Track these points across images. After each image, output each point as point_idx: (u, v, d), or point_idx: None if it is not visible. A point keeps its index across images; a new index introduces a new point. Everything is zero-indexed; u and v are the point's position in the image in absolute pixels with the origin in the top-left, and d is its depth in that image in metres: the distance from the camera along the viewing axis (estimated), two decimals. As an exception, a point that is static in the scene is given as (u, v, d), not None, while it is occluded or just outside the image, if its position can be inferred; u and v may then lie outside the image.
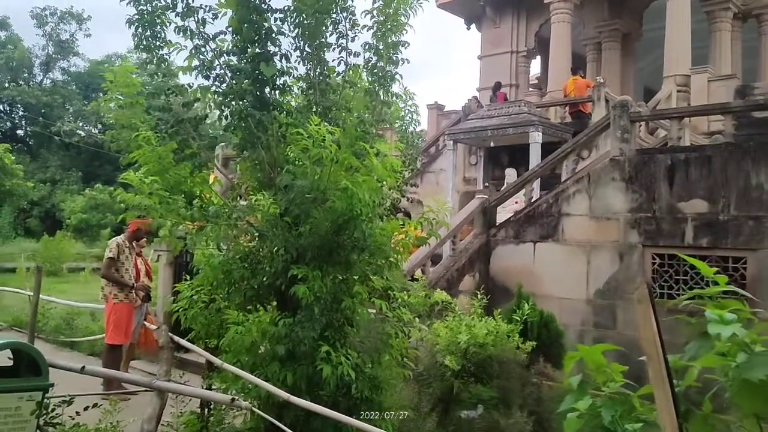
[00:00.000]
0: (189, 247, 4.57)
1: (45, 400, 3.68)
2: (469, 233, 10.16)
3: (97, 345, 9.24)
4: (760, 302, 2.79)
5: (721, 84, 13.62)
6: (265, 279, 4.40)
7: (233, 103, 4.47)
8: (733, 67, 15.70)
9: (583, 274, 8.73)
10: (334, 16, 4.85)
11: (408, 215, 8.56)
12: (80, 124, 40.26)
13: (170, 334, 4.53)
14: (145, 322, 7.89)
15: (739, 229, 7.54)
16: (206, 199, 4.52)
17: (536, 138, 11.99)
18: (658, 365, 1.90)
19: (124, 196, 4.07)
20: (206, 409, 5.13)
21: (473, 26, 21.14)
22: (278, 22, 4.66)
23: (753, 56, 17.16)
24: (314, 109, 4.74)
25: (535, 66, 22.75)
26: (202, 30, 4.43)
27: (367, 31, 4.77)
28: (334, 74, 4.99)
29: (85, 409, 4.41)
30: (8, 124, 41.81)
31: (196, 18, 4.42)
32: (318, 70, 4.89)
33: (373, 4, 4.72)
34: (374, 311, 4.56)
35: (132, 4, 4.46)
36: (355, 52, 4.92)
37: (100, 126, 39.78)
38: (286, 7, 4.67)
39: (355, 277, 4.53)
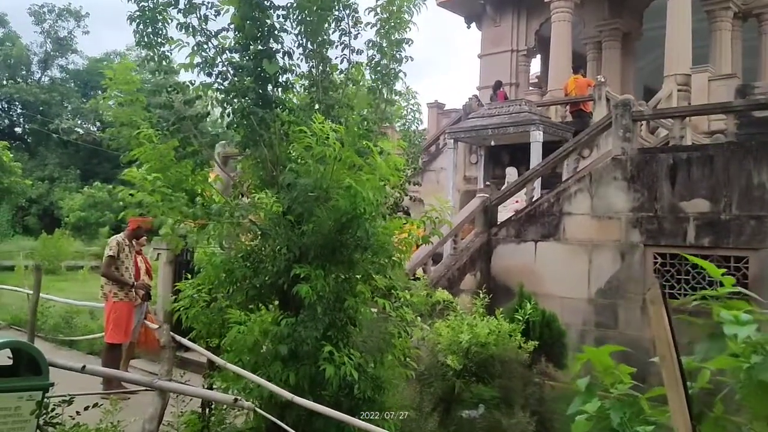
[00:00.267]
0: (190, 245, 4.54)
1: (45, 399, 3.65)
2: (469, 232, 10.14)
3: (97, 344, 9.20)
4: (765, 303, 2.76)
5: (722, 83, 13.62)
6: (267, 278, 4.37)
7: (236, 100, 4.44)
8: (734, 67, 15.71)
9: (584, 273, 8.71)
10: (336, 13, 4.82)
11: (407, 214, 8.53)
12: (79, 121, 40.15)
13: (172, 333, 4.49)
14: (146, 321, 7.85)
15: (741, 229, 7.52)
16: (208, 197, 4.49)
17: (537, 137, 11.97)
18: (672, 367, 1.86)
19: (126, 193, 4.03)
20: (207, 409, 5.10)
21: (473, 25, 21.11)
22: (281, 19, 4.63)
23: (753, 55, 17.16)
24: (317, 107, 4.71)
25: (535, 65, 22.75)
26: (204, 27, 4.40)
27: (371, 28, 4.74)
28: (337, 72, 4.96)
29: (86, 408, 4.38)
30: (6, 121, 41.73)
31: (198, 15, 4.39)
32: (321, 67, 4.86)
33: (376, 1, 4.69)
34: (375, 310, 4.53)
35: (133, 0, 4.42)
36: (358, 49, 4.90)
37: (98, 124, 39.68)
38: (288, 4, 4.64)
39: (358, 276, 4.51)
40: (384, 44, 4.69)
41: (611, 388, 2.53)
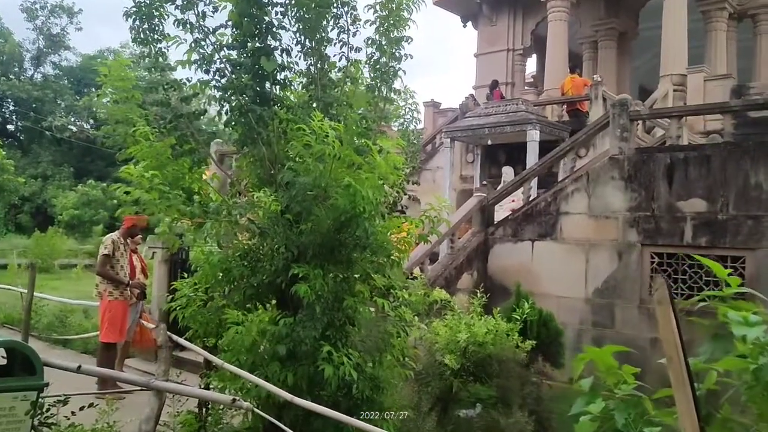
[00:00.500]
0: (186, 244, 4.50)
1: (40, 399, 3.61)
2: (466, 231, 10.13)
3: (91, 343, 9.14)
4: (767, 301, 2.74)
5: (717, 83, 13.66)
6: (265, 277, 4.33)
7: (233, 97, 4.40)
8: (729, 67, 15.76)
9: (581, 272, 8.71)
10: (334, 10, 4.78)
11: (403, 212, 8.50)
12: (72, 119, 39.93)
13: (169, 333, 4.44)
14: (142, 320, 7.80)
15: (737, 229, 7.53)
16: (205, 195, 4.45)
17: (534, 136, 11.97)
18: (679, 368, 1.85)
19: (123, 190, 3.98)
20: (204, 409, 5.07)
21: (470, 24, 21.11)
22: (279, 16, 4.60)
23: (748, 56, 17.22)
24: (315, 105, 4.67)
25: (531, 64, 22.75)
26: (202, 23, 4.35)
27: (370, 26, 4.71)
28: (335, 69, 4.93)
29: (81, 408, 4.33)
30: (-1, 119, 41.50)
31: (196, 11, 4.34)
32: (319, 65, 4.82)
33: (375, -1, 4.66)
34: (373, 309, 4.51)
35: (129, -5, 4.38)
36: (357, 47, 4.87)
37: (92, 121, 39.48)
38: (286, 1, 4.60)
39: (356, 276, 4.48)
40: (383, 42, 4.66)
41: (615, 388, 2.51)
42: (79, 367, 3.93)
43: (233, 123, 4.51)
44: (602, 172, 8.66)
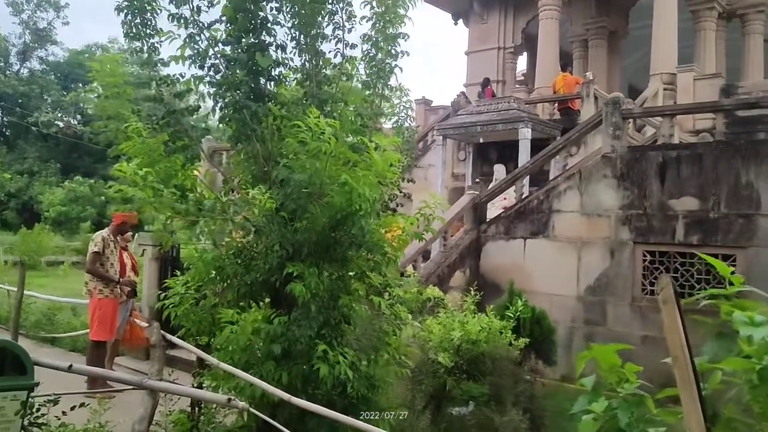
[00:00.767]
0: (176, 241, 4.45)
1: (30, 399, 3.55)
2: (458, 229, 10.13)
3: (80, 341, 9.05)
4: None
5: (707, 83, 13.73)
6: (259, 275, 4.29)
7: (228, 93, 4.36)
8: (718, 66, 15.85)
9: (573, 270, 8.73)
10: (330, 6, 4.75)
11: (394, 210, 8.48)
12: (59, 114, 39.47)
13: (162, 331, 4.39)
14: (132, 318, 7.73)
15: (729, 227, 7.58)
16: (199, 193, 4.40)
17: (526, 134, 11.98)
18: (685, 368, 1.83)
19: (116, 188, 3.92)
20: (197, 408, 5.02)
21: (461, 22, 21.09)
22: (274, 12, 4.56)
23: (736, 55, 17.33)
24: (309, 102, 4.63)
25: (521, 63, 22.79)
26: (196, 18, 4.30)
27: (366, 22, 4.68)
28: (330, 66, 4.90)
29: (72, 408, 4.27)
30: (-16, 114, 41.00)
31: (191, 6, 4.29)
32: (314, 61, 4.79)
33: (371, -5, 4.63)
34: (366, 307, 4.48)
35: (121, -10, 4.32)
36: (352, 43, 4.84)
37: (79, 117, 39.08)
38: (281, -4, 4.56)
39: (351, 274, 4.45)
40: (379, 39, 4.63)
41: (618, 387, 2.50)
42: (71, 366, 3.87)
43: (227, 119, 4.47)
44: (595, 170, 8.68)
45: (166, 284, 4.88)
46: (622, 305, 8.28)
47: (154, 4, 4.41)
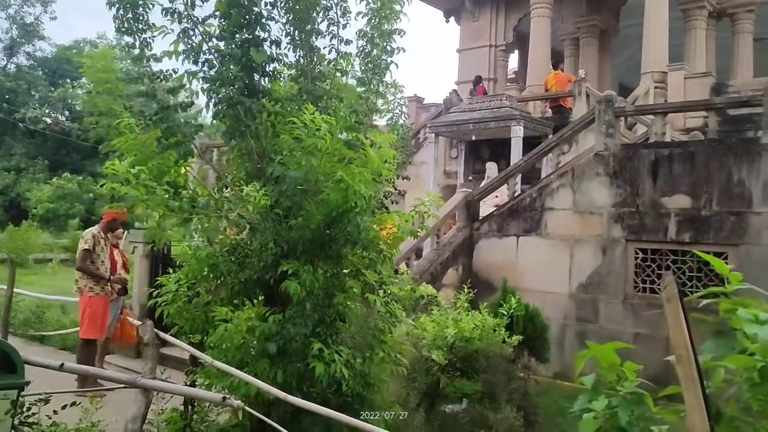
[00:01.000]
0: (168, 238, 4.40)
1: (20, 398, 3.50)
2: (451, 227, 10.12)
3: (69, 339, 8.98)
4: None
5: (697, 81, 13.81)
6: (253, 273, 4.26)
7: (222, 89, 4.31)
8: (708, 65, 15.92)
9: (566, 268, 8.74)
10: (324, 2, 4.72)
11: (386, 208, 8.46)
12: (47, 110, 39.10)
13: (155, 329, 4.34)
14: (125, 317, 7.67)
15: (720, 225, 7.62)
16: (193, 190, 4.36)
17: (518, 132, 11.98)
18: (689, 366, 1.82)
19: (109, 187, 3.87)
20: (189, 407, 4.98)
21: (452, 19, 21.08)
22: (268, 7, 4.52)
23: (726, 54, 17.42)
24: (304, 98, 4.60)
25: (513, 60, 22.81)
26: (190, 13, 4.25)
27: (362, 18, 4.65)
28: (325, 62, 4.86)
29: (63, 407, 4.22)
30: (-30, 110, 40.50)
31: (184, 0, 4.24)
32: (308, 57, 4.75)
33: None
34: (360, 305, 4.46)
35: (113, -17, 4.26)
36: (347, 39, 4.81)
37: (67, 113, 38.73)
38: (276, -9, 4.52)
39: (346, 271, 4.43)
40: (375, 35, 4.61)
41: (617, 385, 2.49)
42: (62, 364, 3.82)
43: (221, 115, 4.42)
44: (587, 168, 8.70)
45: (157, 282, 4.84)
46: (614, 303, 8.31)
47: (146, -1, 4.36)
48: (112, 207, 4.23)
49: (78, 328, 7.51)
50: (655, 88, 13.85)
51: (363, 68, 4.75)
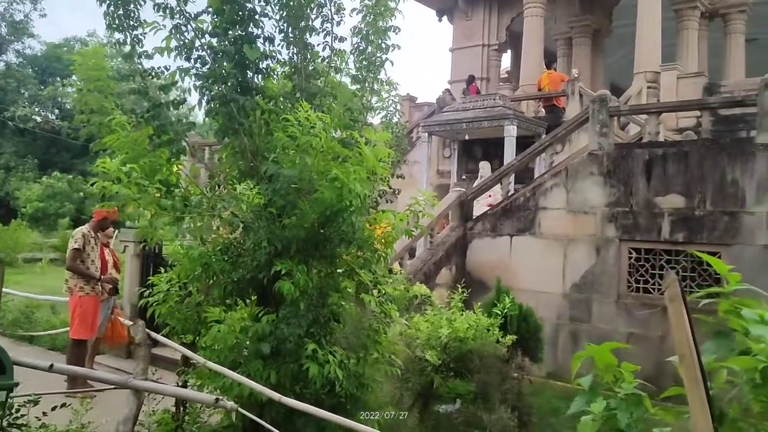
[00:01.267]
0: (161, 238, 4.35)
1: (9, 399, 3.44)
2: (444, 227, 10.09)
3: (59, 339, 8.88)
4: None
5: (690, 81, 13.85)
6: (246, 272, 4.21)
7: (215, 86, 4.25)
8: (700, 65, 15.99)
9: (559, 267, 8.73)
10: (318, -1, 4.67)
11: (376, 208, 8.43)
12: (36, 109, 38.77)
13: (147, 330, 4.29)
14: (116, 317, 7.59)
15: (714, 225, 7.62)
16: (185, 188, 4.30)
17: (511, 131, 11.97)
18: (693, 367, 1.79)
19: (100, 185, 3.81)
20: (181, 408, 4.92)
21: (445, 18, 21.07)
22: (261, 3, 4.47)
23: (718, 55, 17.50)
24: (298, 95, 4.56)
25: (505, 60, 22.83)
26: (183, 8, 4.19)
27: (356, 14, 4.60)
28: (319, 59, 4.82)
29: (53, 409, 4.16)
30: (-41, 108, 40.10)
31: (177, -5, 4.18)
32: (302, 54, 4.70)
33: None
34: (354, 304, 4.42)
35: (104, -20, 4.19)
36: (341, 37, 4.76)
37: (57, 111, 38.43)
38: (269, -12, 4.47)
39: (340, 271, 4.39)
40: (370, 32, 4.57)
41: (615, 386, 2.46)
42: (52, 365, 3.76)
43: (214, 113, 4.37)
44: (581, 167, 8.69)
45: (148, 281, 4.78)
46: (607, 302, 8.30)
47: (137, -6, 4.30)
48: (103, 206, 4.16)
49: (68, 329, 7.42)
50: (648, 87, 13.89)
51: (357, 65, 4.71)
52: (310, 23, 4.68)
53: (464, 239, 9.68)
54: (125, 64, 4.53)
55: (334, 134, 4.24)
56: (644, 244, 8.13)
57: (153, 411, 4.95)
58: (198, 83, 4.35)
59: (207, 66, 4.29)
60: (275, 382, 3.93)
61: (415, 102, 18.02)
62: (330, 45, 4.77)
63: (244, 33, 4.33)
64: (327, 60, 4.79)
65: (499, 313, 6.42)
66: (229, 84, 4.26)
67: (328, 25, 4.73)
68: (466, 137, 13.38)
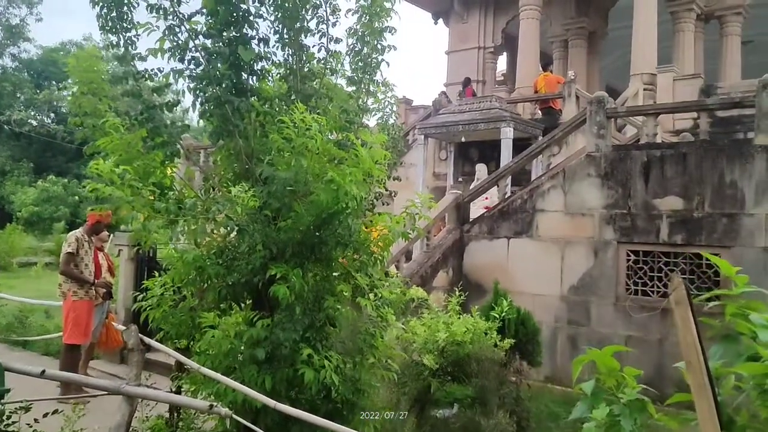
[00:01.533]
0: (156, 241, 4.29)
1: (0, 406, 3.38)
2: (440, 229, 10.04)
3: (53, 344, 8.81)
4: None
5: (686, 83, 13.83)
6: (241, 276, 4.15)
7: (209, 88, 4.19)
8: (696, 67, 15.99)
9: (557, 270, 8.68)
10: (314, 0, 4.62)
11: (372, 210, 8.38)
12: (32, 113, 38.67)
13: (140, 335, 4.22)
14: (110, 321, 7.52)
15: (713, 226, 7.58)
16: (179, 191, 4.24)
17: (508, 133, 11.93)
18: (700, 372, 1.74)
19: (93, 187, 3.75)
20: (175, 413, 4.86)
21: (441, 21, 21.06)
22: (256, 4, 4.41)
23: (714, 57, 17.52)
24: (293, 97, 4.51)
25: (501, 63, 22.83)
26: (176, 9, 4.13)
27: (352, 15, 4.55)
28: (314, 61, 4.77)
29: (45, 415, 4.08)
30: (-46, 112, 39.94)
31: (170, -5, 4.13)
32: (297, 56, 4.65)
33: (358, -12, 4.51)
34: (350, 308, 4.37)
35: (96, -19, 4.14)
36: (337, 38, 4.72)
37: (52, 115, 38.32)
38: (264, -11, 4.42)
39: (336, 274, 4.33)
40: (366, 32, 4.52)
41: (617, 391, 2.41)
42: (43, 371, 3.68)
43: (208, 115, 4.31)
44: (579, 169, 8.64)
45: (143, 286, 4.72)
46: (606, 305, 8.25)
47: (130, -4, 4.24)
48: (94, 209, 4.10)
49: (62, 333, 7.35)
50: (645, 89, 13.87)
51: (353, 67, 4.66)
52: (306, 24, 4.63)
53: (461, 242, 9.63)
54: (121, 66, 4.47)
55: (329, 136, 4.21)
56: (642, 246, 8.08)
57: (147, 417, 4.89)
58: (192, 85, 4.29)
59: (201, 67, 4.23)
60: (270, 387, 3.87)
61: (412, 105, 18.00)
62: (325, 46, 4.72)
63: (238, 34, 4.27)
64: (322, 61, 4.74)
65: (497, 316, 6.37)
66: (223, 86, 4.20)
67: (324, 26, 4.68)
68: (463, 139, 13.33)
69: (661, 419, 2.31)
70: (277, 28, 4.58)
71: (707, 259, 7.56)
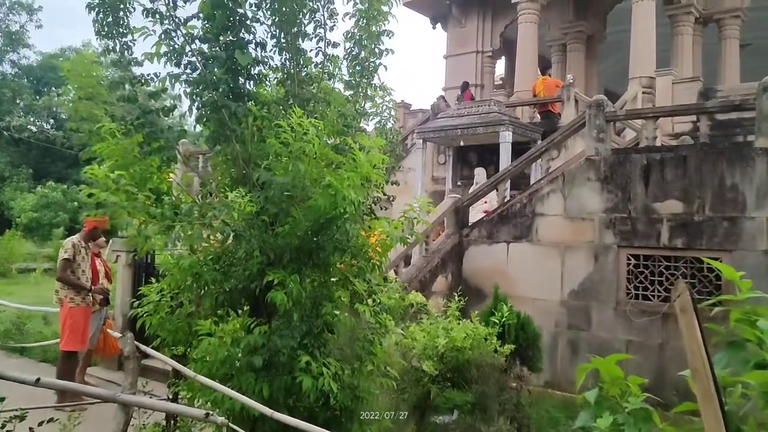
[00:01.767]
0: (153, 247, 4.24)
1: (-6, 415, 3.34)
2: (439, 234, 10.00)
3: (50, 351, 8.75)
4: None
5: (685, 86, 13.84)
6: (238, 283, 4.10)
7: (206, 93, 4.16)
8: (695, 70, 16.00)
9: (557, 274, 8.63)
10: (311, 4, 4.59)
11: (372, 214, 8.34)
12: (31, 119, 38.68)
13: (136, 342, 4.18)
14: (107, 328, 7.46)
15: (714, 230, 7.53)
16: (176, 196, 4.21)
17: (506, 137, 11.91)
18: (706, 380, 1.70)
19: (87, 193, 3.71)
20: (172, 421, 4.81)
21: (439, 26, 21.08)
22: (253, 8, 4.38)
23: (713, 60, 17.52)
24: (291, 102, 4.47)
25: (499, 67, 22.83)
26: (172, 13, 4.10)
27: (349, 19, 4.52)
28: (312, 65, 4.73)
29: (40, 424, 4.03)
30: (-46, 118, 39.92)
31: (166, 0, 4.09)
32: (295, 60, 4.62)
33: (355, -9, 4.48)
34: (348, 314, 4.32)
35: (92, -14, 4.11)
36: (334, 42, 4.68)
37: (52, 121, 38.32)
38: (261, -7, 4.38)
39: (334, 280, 4.29)
40: (363, 36, 4.49)
41: (621, 400, 2.37)
42: (38, 379, 3.63)
43: (205, 119, 4.27)
44: (578, 173, 8.61)
45: (140, 292, 4.68)
46: (606, 310, 8.20)
47: (126, 1, 4.21)
48: (91, 215, 4.06)
49: (59, 340, 7.29)
50: (643, 93, 13.87)
51: (351, 71, 4.62)
52: (303, 28, 4.60)
53: (460, 246, 9.58)
54: (117, 72, 4.44)
55: (327, 140, 4.17)
56: (643, 251, 8.03)
57: (144, 424, 4.84)
58: (188, 89, 4.26)
59: (197, 72, 4.19)
60: (268, 395, 3.82)
61: (410, 109, 17.99)
62: (323, 50, 4.69)
63: (235, 38, 4.25)
64: (320, 65, 4.70)
65: (497, 321, 6.33)
66: (220, 90, 4.16)
67: (321, 30, 4.65)
68: (461, 143, 13.31)
69: (666, 429, 2.26)
70: (274, 33, 4.55)
71: (708, 263, 7.54)
